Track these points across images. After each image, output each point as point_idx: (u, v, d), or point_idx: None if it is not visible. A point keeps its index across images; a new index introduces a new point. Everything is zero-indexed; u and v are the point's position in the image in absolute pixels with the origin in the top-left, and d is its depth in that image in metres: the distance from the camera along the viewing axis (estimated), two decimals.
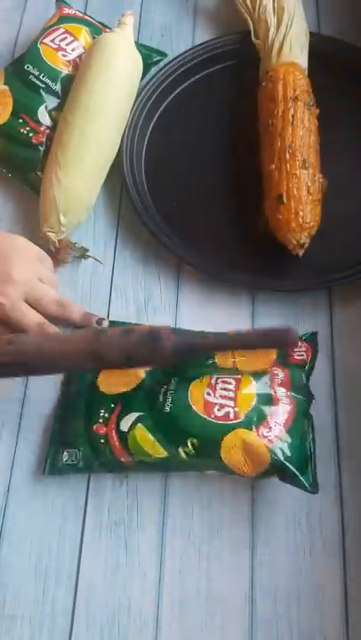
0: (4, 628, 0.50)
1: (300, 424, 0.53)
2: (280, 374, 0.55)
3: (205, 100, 0.73)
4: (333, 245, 0.63)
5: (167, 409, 0.53)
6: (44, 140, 0.66)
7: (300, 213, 0.59)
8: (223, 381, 0.54)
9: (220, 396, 0.53)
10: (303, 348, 0.57)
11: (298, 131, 0.62)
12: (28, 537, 0.53)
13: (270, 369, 0.55)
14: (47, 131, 0.66)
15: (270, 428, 0.52)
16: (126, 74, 0.67)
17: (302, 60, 0.68)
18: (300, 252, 0.61)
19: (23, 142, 0.65)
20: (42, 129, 0.66)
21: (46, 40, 0.69)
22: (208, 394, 0.53)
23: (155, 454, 0.52)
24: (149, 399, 0.54)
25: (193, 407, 0.53)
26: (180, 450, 0.52)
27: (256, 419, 0.52)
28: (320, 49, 0.71)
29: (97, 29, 0.72)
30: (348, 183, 0.67)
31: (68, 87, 0.67)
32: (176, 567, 0.53)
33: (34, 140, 0.65)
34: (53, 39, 0.69)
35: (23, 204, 0.67)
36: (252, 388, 0.53)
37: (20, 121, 0.66)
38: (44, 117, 0.66)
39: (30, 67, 0.67)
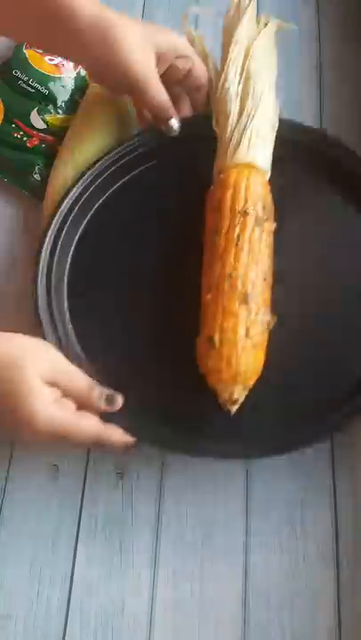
0: None
1: None
2: None
3: (145, 202, 0.62)
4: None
5: None
6: (38, 143, 0.66)
7: (233, 362, 0.49)
8: None
9: None
10: None
11: (242, 255, 0.51)
12: (22, 537, 0.54)
13: None
14: (41, 134, 0.67)
15: None
16: None
17: (263, 160, 0.57)
18: (233, 409, 0.50)
19: (18, 147, 0.66)
20: (35, 133, 0.67)
21: None
22: None
23: None
24: None
25: None
26: None
27: None
28: (293, 137, 0.61)
29: None
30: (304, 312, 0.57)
31: (59, 90, 0.68)
32: (170, 570, 0.53)
33: (28, 145, 0.66)
34: None
35: (22, 208, 0.67)
36: None
37: (13, 126, 0.67)
38: (36, 121, 0.67)
39: (18, 72, 0.68)
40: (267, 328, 0.51)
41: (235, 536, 0.54)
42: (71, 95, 0.69)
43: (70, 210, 0.60)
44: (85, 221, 0.61)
